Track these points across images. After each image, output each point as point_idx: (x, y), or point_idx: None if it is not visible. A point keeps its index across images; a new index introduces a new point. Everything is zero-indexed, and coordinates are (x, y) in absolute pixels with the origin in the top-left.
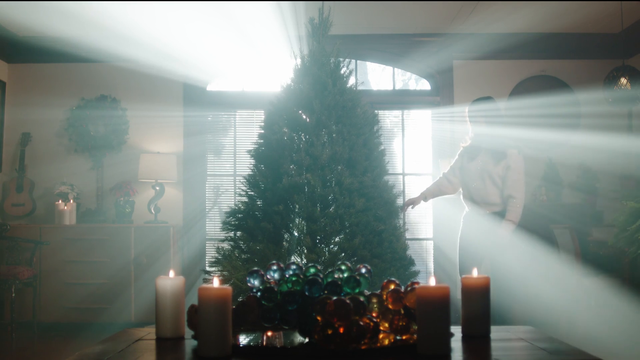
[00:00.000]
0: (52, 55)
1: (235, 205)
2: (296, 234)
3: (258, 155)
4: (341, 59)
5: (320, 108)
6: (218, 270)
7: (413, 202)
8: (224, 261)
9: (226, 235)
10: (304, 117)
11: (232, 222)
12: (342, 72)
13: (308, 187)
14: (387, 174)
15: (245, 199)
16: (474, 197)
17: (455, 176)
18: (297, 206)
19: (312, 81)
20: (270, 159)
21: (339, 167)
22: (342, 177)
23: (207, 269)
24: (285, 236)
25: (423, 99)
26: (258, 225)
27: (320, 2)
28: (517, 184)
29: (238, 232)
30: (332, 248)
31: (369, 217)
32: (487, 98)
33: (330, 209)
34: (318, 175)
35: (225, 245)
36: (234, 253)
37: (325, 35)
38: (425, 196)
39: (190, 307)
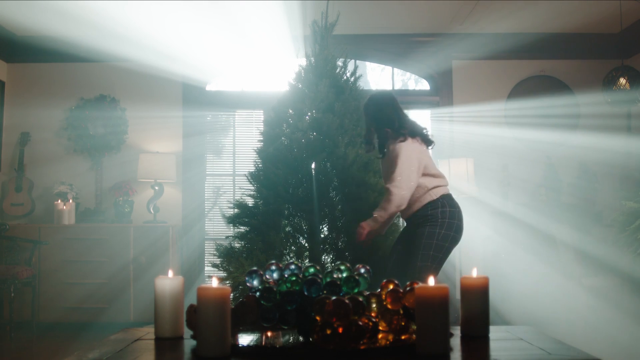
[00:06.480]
0: (51, 55)
1: (235, 205)
2: (303, 242)
3: (268, 156)
4: (347, 60)
5: (343, 111)
6: (222, 269)
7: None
8: (225, 261)
9: (232, 235)
10: (322, 119)
11: (242, 221)
12: (354, 75)
13: (322, 189)
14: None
15: (252, 200)
16: None
17: None
18: (305, 213)
19: (329, 83)
20: (280, 160)
21: (355, 171)
22: (366, 179)
23: (211, 267)
24: (291, 240)
25: (422, 99)
26: (263, 229)
27: (325, 1)
28: (394, 173)
29: (243, 228)
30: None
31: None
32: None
33: (337, 211)
34: (340, 178)
35: (230, 244)
36: (241, 255)
37: (330, 35)
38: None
39: (189, 306)
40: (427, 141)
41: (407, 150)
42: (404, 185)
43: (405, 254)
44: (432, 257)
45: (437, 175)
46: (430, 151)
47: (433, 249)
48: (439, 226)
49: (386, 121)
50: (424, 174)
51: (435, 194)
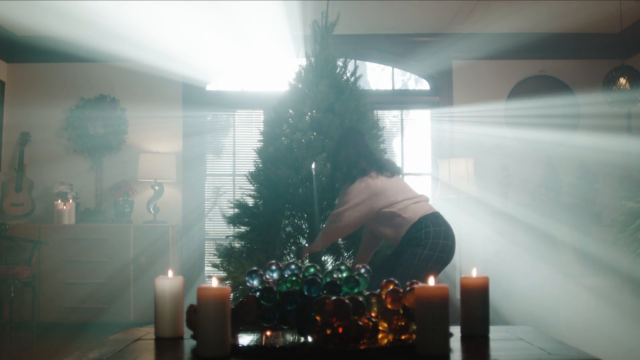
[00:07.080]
0: (51, 55)
1: (235, 205)
2: (304, 242)
3: (268, 156)
4: (347, 60)
5: (343, 111)
6: (222, 269)
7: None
8: (225, 261)
9: (232, 235)
10: (322, 119)
11: (242, 221)
12: (354, 75)
13: (323, 189)
14: None
15: (252, 200)
16: None
17: None
18: (306, 213)
19: (329, 84)
20: (280, 160)
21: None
22: None
23: (211, 267)
24: (291, 240)
25: (422, 99)
26: (263, 229)
27: (325, 1)
28: (339, 206)
29: (243, 228)
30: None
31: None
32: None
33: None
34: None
35: (230, 244)
36: (241, 255)
37: (330, 35)
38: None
39: (189, 306)
40: (390, 170)
41: (354, 192)
42: (343, 218)
43: (388, 273)
44: (410, 277)
45: (409, 198)
46: (398, 177)
47: (413, 269)
48: (422, 247)
49: (338, 165)
50: (393, 202)
51: (412, 217)
